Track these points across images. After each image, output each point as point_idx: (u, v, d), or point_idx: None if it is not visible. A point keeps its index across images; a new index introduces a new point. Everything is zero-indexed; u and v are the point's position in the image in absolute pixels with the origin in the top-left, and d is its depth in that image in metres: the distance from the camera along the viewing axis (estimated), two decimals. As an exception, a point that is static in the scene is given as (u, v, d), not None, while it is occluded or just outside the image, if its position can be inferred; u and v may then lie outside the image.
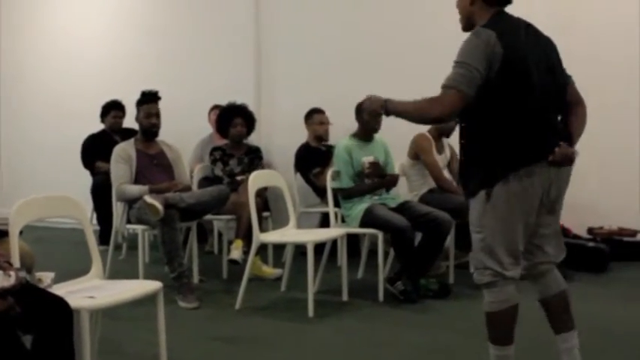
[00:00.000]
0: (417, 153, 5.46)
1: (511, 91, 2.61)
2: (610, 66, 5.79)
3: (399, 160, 5.50)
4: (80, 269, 3.30)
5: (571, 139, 2.75)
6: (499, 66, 2.57)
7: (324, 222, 5.94)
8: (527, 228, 2.71)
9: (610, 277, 5.24)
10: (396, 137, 5.34)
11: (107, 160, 5.29)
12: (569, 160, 2.69)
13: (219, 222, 5.98)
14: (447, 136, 5.50)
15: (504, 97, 2.61)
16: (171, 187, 4.94)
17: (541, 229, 2.79)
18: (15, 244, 2.88)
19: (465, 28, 2.81)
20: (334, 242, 4.95)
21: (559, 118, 2.80)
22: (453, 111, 2.64)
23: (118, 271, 5.09)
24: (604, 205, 5.88)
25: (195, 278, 5.15)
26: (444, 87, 2.63)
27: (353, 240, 5.54)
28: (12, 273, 2.44)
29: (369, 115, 3.03)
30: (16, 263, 2.76)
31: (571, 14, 5.90)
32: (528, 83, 2.62)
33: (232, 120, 5.75)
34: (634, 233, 5.86)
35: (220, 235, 6.12)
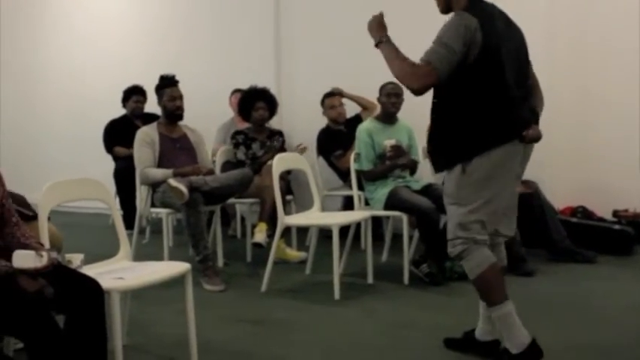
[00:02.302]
0: None
1: (488, 76, 2.78)
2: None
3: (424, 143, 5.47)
4: (106, 253, 3.31)
5: (537, 117, 2.96)
6: (478, 52, 2.73)
7: (347, 205, 5.93)
8: (512, 195, 2.92)
9: (636, 260, 5.19)
10: (421, 120, 5.29)
11: (128, 144, 5.28)
12: (537, 139, 2.89)
13: (242, 206, 5.97)
14: None
15: (482, 81, 2.78)
16: (195, 170, 4.93)
17: None
18: (44, 225, 2.90)
19: (444, 11, 2.96)
20: (357, 225, 4.93)
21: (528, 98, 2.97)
22: (425, 86, 2.77)
23: (142, 255, 5.07)
24: (629, 188, 5.80)
25: (220, 262, 5.16)
26: (422, 61, 2.75)
27: (375, 223, 5.53)
28: (44, 253, 2.44)
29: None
30: (46, 244, 2.78)
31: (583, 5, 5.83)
32: (503, 69, 2.79)
33: (254, 104, 5.74)
34: (659, 216, 5.80)
35: (243, 219, 6.12)
